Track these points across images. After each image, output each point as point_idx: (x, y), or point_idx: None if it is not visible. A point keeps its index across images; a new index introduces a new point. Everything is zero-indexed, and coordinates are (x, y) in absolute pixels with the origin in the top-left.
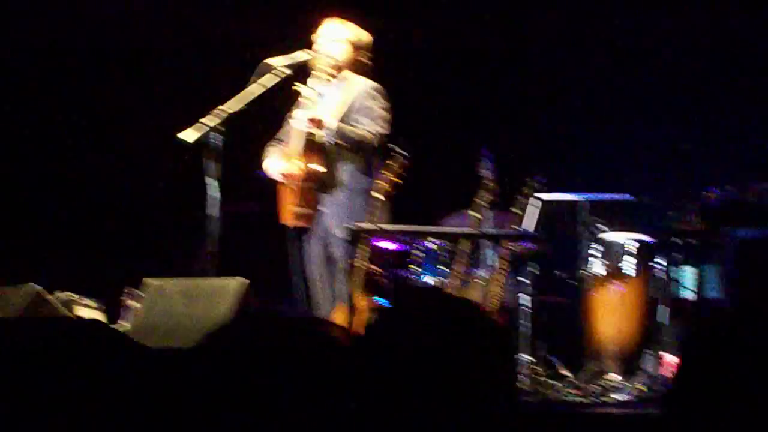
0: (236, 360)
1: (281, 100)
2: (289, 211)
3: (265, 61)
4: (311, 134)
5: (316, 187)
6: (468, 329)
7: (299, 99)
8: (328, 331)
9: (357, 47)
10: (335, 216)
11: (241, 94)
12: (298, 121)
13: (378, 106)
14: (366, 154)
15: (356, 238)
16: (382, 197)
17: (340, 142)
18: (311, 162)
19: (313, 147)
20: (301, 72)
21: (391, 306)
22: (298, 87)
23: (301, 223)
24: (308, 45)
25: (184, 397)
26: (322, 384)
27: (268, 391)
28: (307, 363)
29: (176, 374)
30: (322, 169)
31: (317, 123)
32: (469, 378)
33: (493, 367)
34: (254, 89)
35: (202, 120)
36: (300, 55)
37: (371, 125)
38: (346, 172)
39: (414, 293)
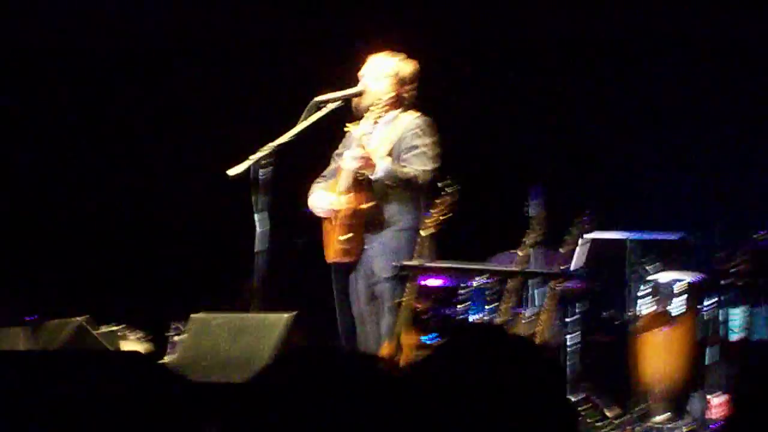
0: (285, 395)
1: (329, 137)
2: (333, 248)
3: (315, 99)
4: (359, 172)
5: (361, 224)
6: (527, 367)
7: (347, 137)
8: (379, 367)
9: (401, 82)
10: (380, 255)
11: (291, 130)
12: (346, 159)
13: (426, 143)
14: (413, 192)
15: (403, 275)
16: (429, 234)
17: (388, 181)
18: (358, 200)
19: (360, 185)
20: (349, 108)
21: (447, 340)
22: (349, 127)
23: (344, 260)
24: (357, 81)
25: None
26: (374, 420)
27: (319, 427)
28: (358, 398)
29: (220, 408)
30: (367, 206)
31: (366, 162)
32: (529, 418)
33: (555, 408)
34: (301, 124)
35: (251, 156)
36: (349, 92)
37: (419, 163)
38: (392, 210)
39: (472, 329)
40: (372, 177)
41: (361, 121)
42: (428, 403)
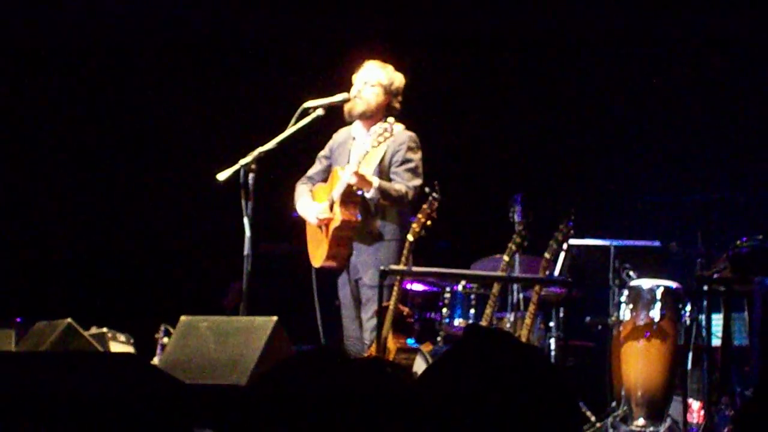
0: (285, 400)
1: (315, 139)
2: (321, 254)
3: (304, 104)
4: (351, 186)
5: (352, 236)
6: (537, 377)
7: (333, 140)
8: (391, 371)
9: (389, 93)
10: (370, 264)
11: (280, 135)
12: (346, 173)
13: (415, 159)
14: (403, 206)
15: (388, 279)
16: (413, 239)
17: (381, 200)
18: (350, 212)
19: (351, 197)
20: (337, 113)
21: (457, 343)
22: (336, 136)
23: (332, 266)
24: (349, 86)
25: None
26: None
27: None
28: (365, 402)
29: (212, 412)
30: (358, 218)
31: (362, 180)
32: (538, 427)
33: (562, 415)
34: (289, 129)
35: (240, 161)
36: (337, 98)
37: (409, 178)
38: (381, 223)
39: (483, 335)
40: (367, 195)
41: (352, 129)
42: (436, 408)
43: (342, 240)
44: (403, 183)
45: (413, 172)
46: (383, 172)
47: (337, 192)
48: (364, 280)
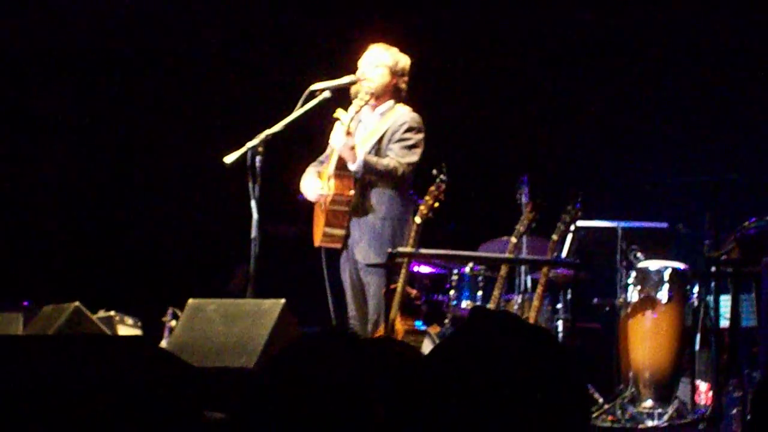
0: (298, 381)
1: (326, 124)
2: (319, 232)
3: (311, 87)
4: (343, 159)
5: (346, 210)
6: (544, 358)
7: (338, 123)
8: (401, 352)
9: (395, 73)
10: (363, 242)
11: (286, 118)
12: (334, 141)
13: (413, 137)
14: (394, 182)
15: (394, 262)
16: (420, 221)
17: (366, 174)
18: (343, 185)
19: (345, 170)
20: (345, 95)
21: (464, 325)
22: (338, 113)
23: (331, 245)
24: (356, 69)
25: (241, 419)
26: (389, 406)
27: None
28: (376, 384)
29: (224, 395)
30: (351, 192)
31: (349, 151)
32: (545, 409)
33: (570, 398)
34: (296, 112)
35: (247, 144)
36: (344, 80)
37: (402, 155)
38: (376, 197)
39: (489, 316)
40: (350, 168)
41: (350, 108)
42: (444, 389)
43: (337, 215)
44: (394, 158)
45: (408, 149)
46: (381, 150)
47: (332, 166)
48: (357, 258)
